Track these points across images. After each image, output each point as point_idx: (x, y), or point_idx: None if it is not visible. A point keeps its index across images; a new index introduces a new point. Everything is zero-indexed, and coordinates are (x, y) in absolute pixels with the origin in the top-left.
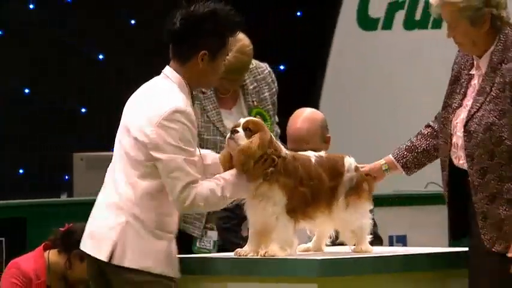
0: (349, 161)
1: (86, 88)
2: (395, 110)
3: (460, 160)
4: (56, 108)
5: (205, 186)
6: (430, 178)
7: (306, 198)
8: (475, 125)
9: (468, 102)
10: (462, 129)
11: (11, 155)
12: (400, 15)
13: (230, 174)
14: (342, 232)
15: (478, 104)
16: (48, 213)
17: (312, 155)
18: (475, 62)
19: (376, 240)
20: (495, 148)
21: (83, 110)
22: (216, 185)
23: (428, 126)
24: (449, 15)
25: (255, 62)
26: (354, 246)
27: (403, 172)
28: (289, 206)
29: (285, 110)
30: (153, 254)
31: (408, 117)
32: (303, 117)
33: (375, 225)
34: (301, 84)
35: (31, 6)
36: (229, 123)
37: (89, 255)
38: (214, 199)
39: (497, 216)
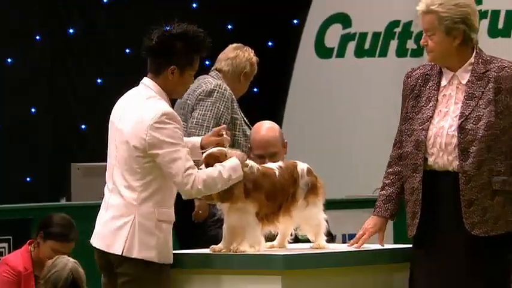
0: (301, 167)
1: (85, 108)
2: (346, 123)
3: (439, 158)
4: (59, 126)
5: (203, 171)
6: (377, 184)
7: (271, 208)
8: (471, 124)
9: (445, 109)
10: (455, 129)
11: (20, 165)
12: (351, 45)
13: (227, 161)
14: (303, 228)
15: (470, 107)
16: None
17: (274, 167)
18: (444, 76)
19: (329, 236)
20: (493, 144)
21: (83, 126)
22: (213, 169)
23: (388, 174)
24: (430, 22)
25: None
26: (312, 243)
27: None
28: (258, 214)
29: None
30: (155, 246)
31: (356, 129)
32: (266, 127)
33: (327, 223)
34: (269, 103)
35: (37, 37)
36: None
37: (101, 251)
38: (212, 181)
39: (482, 204)
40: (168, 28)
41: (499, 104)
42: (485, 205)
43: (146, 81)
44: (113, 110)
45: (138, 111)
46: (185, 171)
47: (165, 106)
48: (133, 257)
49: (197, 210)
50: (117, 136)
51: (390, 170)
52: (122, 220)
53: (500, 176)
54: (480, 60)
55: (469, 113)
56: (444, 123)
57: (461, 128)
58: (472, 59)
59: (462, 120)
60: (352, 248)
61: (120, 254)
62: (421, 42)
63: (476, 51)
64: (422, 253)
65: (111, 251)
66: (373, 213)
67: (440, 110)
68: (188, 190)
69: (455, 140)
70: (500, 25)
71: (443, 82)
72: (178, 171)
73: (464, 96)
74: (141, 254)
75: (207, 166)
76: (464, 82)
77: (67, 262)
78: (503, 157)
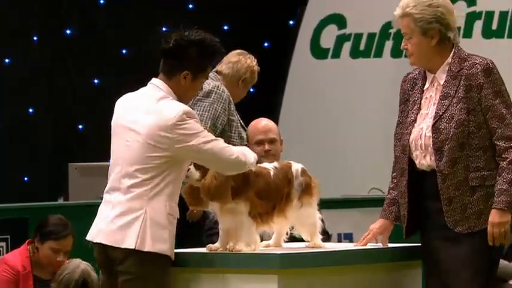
0: (296, 167)
1: (85, 108)
2: (342, 123)
3: (423, 160)
4: (58, 126)
5: (231, 147)
6: (373, 184)
7: (264, 207)
8: (445, 124)
9: (425, 111)
10: (430, 129)
11: (18, 165)
12: (347, 46)
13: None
14: (298, 228)
15: (444, 107)
16: (47, 214)
17: (270, 167)
18: (427, 78)
19: (325, 235)
20: (466, 141)
21: (80, 127)
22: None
23: (392, 178)
24: (407, 25)
25: None
26: (308, 242)
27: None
28: (251, 213)
29: None
30: (168, 239)
31: (351, 130)
32: (265, 120)
33: (322, 222)
34: (265, 103)
35: (37, 37)
36: None
37: (102, 247)
38: (245, 153)
39: (461, 201)
40: (186, 33)
41: (470, 101)
42: (465, 202)
43: (156, 81)
44: (117, 109)
45: (153, 111)
46: (223, 145)
47: (181, 105)
48: (145, 250)
49: (191, 209)
50: (127, 136)
51: (393, 174)
52: (132, 215)
53: (479, 171)
54: (457, 59)
55: (443, 113)
56: (424, 125)
57: (435, 128)
58: (449, 59)
59: (436, 120)
60: (351, 247)
61: (133, 248)
62: (402, 46)
63: (454, 51)
64: (423, 253)
65: (123, 246)
66: (380, 215)
67: (422, 113)
68: (237, 158)
69: (428, 141)
70: (494, 26)
71: (427, 85)
72: (217, 148)
73: (440, 96)
74: (155, 247)
75: (196, 168)
76: (442, 82)
77: (79, 264)
78: (481, 152)
